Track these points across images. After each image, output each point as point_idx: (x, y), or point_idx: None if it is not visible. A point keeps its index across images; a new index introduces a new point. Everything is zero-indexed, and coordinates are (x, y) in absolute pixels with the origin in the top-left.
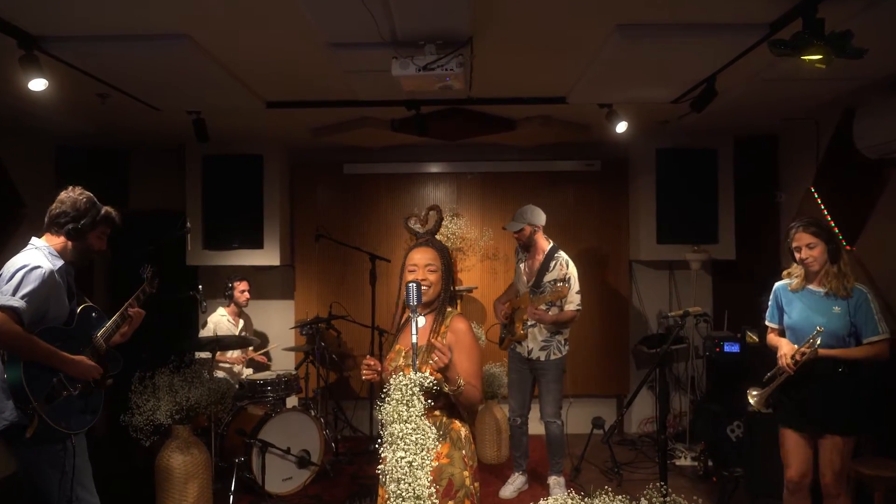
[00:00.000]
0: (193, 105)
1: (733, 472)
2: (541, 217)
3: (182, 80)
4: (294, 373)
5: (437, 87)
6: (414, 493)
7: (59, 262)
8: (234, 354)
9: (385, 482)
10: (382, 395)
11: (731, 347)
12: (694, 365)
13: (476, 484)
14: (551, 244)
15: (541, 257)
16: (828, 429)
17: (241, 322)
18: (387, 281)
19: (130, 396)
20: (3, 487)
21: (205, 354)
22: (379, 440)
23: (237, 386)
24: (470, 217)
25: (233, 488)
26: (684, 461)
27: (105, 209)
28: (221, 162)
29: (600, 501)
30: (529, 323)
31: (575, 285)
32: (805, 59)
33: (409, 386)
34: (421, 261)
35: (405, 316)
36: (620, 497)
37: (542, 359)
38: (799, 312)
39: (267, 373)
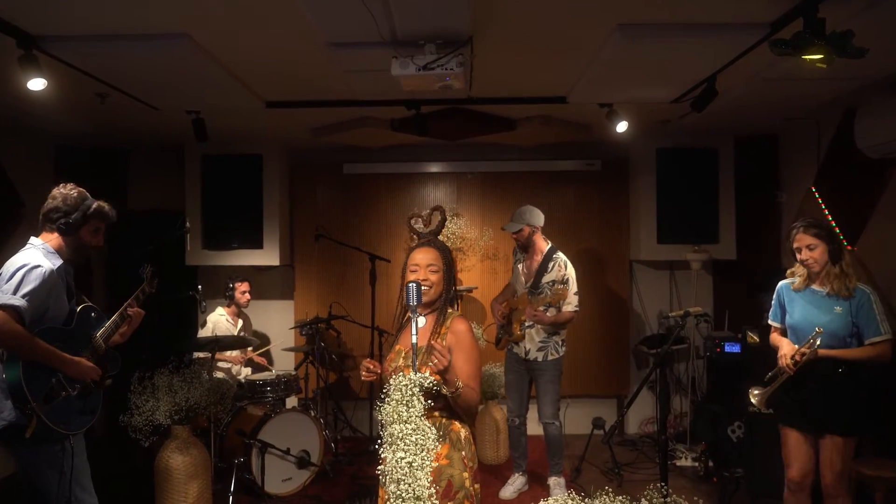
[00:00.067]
0: (193, 105)
1: (734, 472)
2: (539, 218)
3: (181, 79)
4: (294, 373)
5: (437, 86)
6: (414, 493)
7: (59, 262)
8: (232, 354)
9: (385, 483)
10: (382, 396)
11: (732, 348)
12: (694, 365)
13: (476, 485)
14: (549, 245)
15: (539, 258)
16: (828, 429)
17: (240, 322)
18: (387, 281)
19: (130, 397)
20: (3, 487)
21: (203, 354)
22: (379, 441)
23: (235, 386)
24: (470, 217)
25: (232, 489)
26: (685, 462)
27: (97, 203)
28: (221, 162)
29: (601, 502)
30: (527, 324)
31: (573, 286)
32: (806, 59)
33: (409, 386)
34: (423, 261)
35: (406, 316)
36: (621, 498)
37: (540, 359)
38: (800, 312)
39: (266, 373)
